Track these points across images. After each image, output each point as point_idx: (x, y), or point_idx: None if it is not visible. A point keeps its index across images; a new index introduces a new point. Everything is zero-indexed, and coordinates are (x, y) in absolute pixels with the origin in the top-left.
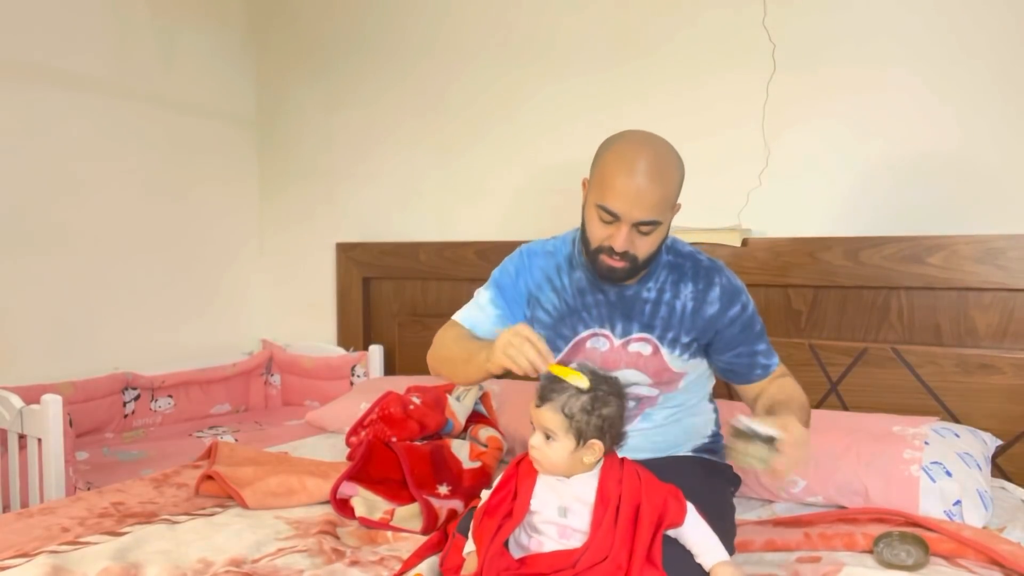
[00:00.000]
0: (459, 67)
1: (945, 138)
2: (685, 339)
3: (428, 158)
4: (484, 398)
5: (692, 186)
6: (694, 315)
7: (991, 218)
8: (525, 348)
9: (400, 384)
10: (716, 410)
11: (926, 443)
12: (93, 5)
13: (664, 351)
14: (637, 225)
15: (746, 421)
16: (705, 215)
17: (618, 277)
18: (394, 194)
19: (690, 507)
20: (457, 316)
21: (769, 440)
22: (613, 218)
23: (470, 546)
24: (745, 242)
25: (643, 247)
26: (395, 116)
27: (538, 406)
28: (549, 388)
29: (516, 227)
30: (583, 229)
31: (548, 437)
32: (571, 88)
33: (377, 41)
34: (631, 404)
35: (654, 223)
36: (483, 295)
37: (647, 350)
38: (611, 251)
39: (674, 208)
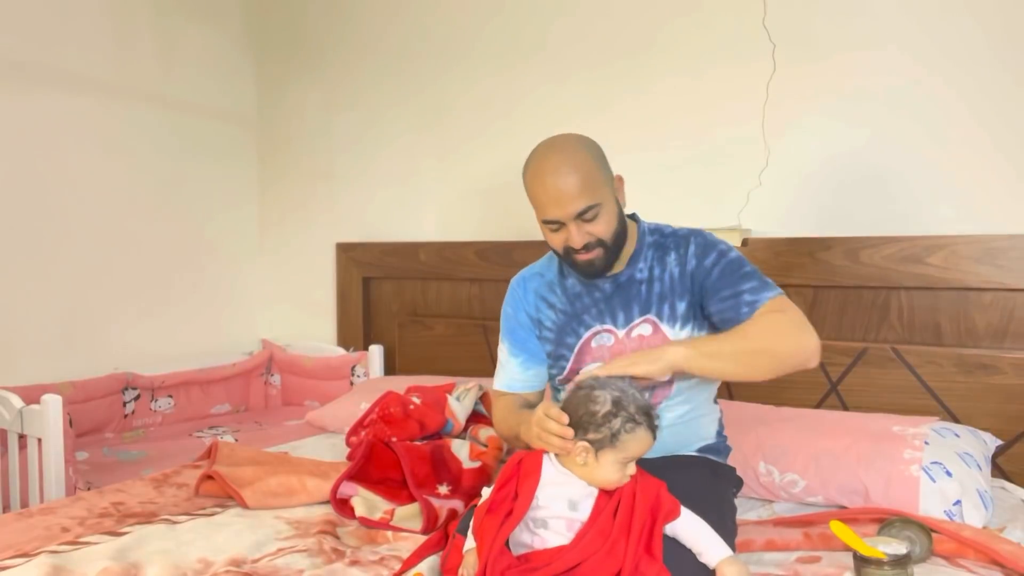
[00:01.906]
0: (459, 66)
1: (946, 139)
2: (681, 306)
3: (428, 158)
4: (484, 398)
5: (692, 185)
6: (681, 278)
7: (991, 218)
8: (549, 438)
9: (400, 384)
10: (720, 411)
11: (926, 443)
12: (93, 5)
13: (664, 327)
14: (579, 217)
15: (867, 544)
16: (705, 215)
17: (599, 266)
18: (394, 194)
19: (684, 508)
20: (495, 383)
21: (900, 561)
22: (558, 225)
23: (470, 543)
24: (745, 242)
25: (600, 229)
26: (395, 116)
27: (633, 429)
28: (642, 413)
29: (516, 227)
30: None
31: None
32: (571, 88)
33: (377, 41)
34: (647, 393)
35: (591, 207)
36: (503, 351)
37: (648, 331)
38: (575, 250)
39: (612, 183)
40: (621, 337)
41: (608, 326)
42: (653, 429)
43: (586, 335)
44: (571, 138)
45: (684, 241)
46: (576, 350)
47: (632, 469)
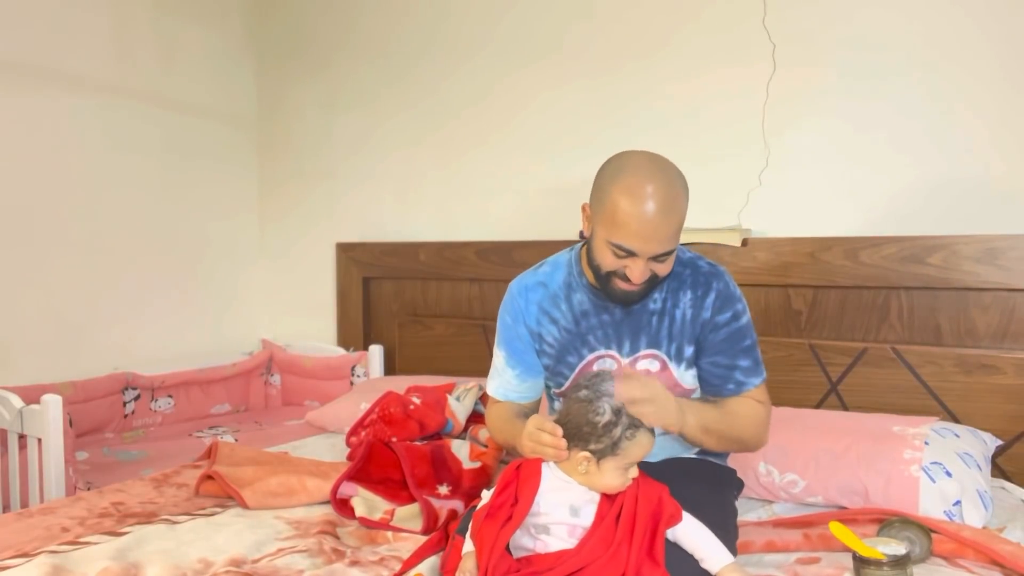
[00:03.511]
0: (459, 67)
1: (945, 138)
2: (688, 350)
3: (428, 158)
4: (484, 398)
5: (692, 186)
6: (692, 323)
7: (991, 218)
8: (543, 450)
9: (400, 384)
10: None
11: (926, 443)
12: (93, 5)
13: (672, 366)
14: (654, 257)
15: (867, 545)
16: (705, 215)
17: (634, 299)
18: (394, 194)
19: (686, 513)
20: (489, 389)
21: (899, 561)
22: (628, 254)
23: (468, 546)
24: (745, 242)
25: (663, 269)
26: (395, 116)
27: (634, 435)
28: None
29: (516, 227)
30: (591, 255)
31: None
32: (571, 89)
33: (377, 41)
34: None
35: (670, 252)
36: (499, 357)
37: (655, 367)
38: (626, 278)
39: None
40: (624, 365)
41: (612, 352)
42: (652, 431)
43: (589, 357)
44: (672, 169)
45: (704, 283)
46: (577, 370)
47: (634, 472)
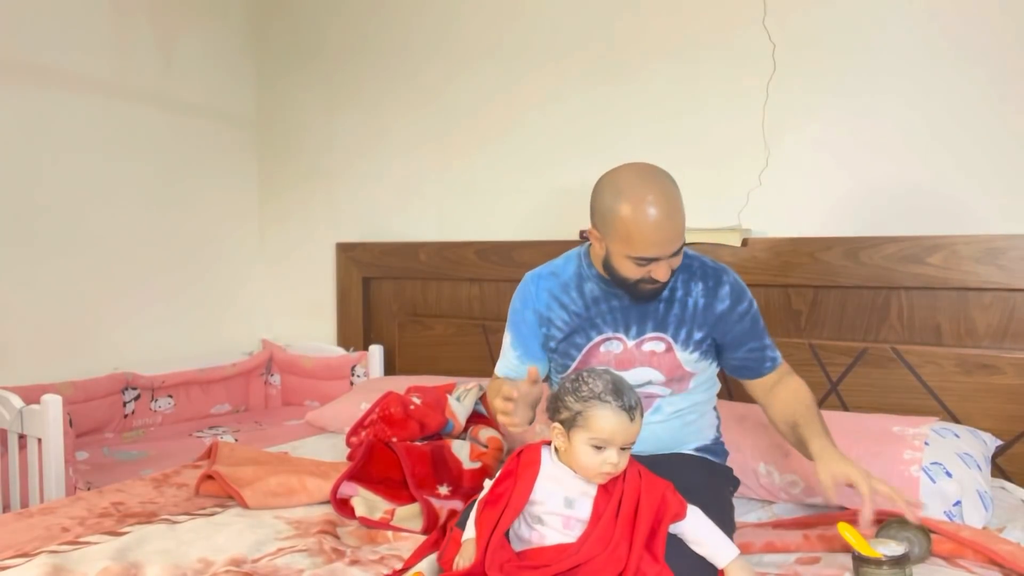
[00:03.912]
0: (460, 68)
1: (945, 138)
2: (697, 335)
3: (428, 158)
4: (484, 398)
5: (693, 187)
6: (705, 311)
7: (991, 218)
8: (502, 418)
9: (400, 384)
10: (719, 417)
11: (926, 443)
12: (93, 5)
13: (677, 348)
14: (672, 255)
15: (869, 545)
16: (705, 215)
17: (660, 292)
18: (394, 194)
19: (693, 506)
20: (496, 368)
21: (898, 561)
22: (650, 261)
23: (469, 533)
24: (745, 242)
25: (678, 261)
26: (396, 116)
27: (632, 419)
28: (610, 392)
29: (516, 227)
30: (613, 270)
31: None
32: (572, 88)
33: (378, 41)
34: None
35: (683, 244)
36: (506, 338)
37: (660, 347)
38: (653, 280)
39: None
40: (630, 347)
41: (619, 335)
42: (628, 410)
43: (596, 339)
44: (660, 172)
45: (715, 276)
46: (584, 351)
47: (613, 457)
